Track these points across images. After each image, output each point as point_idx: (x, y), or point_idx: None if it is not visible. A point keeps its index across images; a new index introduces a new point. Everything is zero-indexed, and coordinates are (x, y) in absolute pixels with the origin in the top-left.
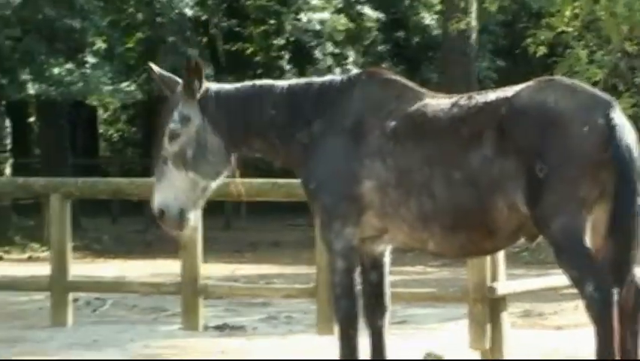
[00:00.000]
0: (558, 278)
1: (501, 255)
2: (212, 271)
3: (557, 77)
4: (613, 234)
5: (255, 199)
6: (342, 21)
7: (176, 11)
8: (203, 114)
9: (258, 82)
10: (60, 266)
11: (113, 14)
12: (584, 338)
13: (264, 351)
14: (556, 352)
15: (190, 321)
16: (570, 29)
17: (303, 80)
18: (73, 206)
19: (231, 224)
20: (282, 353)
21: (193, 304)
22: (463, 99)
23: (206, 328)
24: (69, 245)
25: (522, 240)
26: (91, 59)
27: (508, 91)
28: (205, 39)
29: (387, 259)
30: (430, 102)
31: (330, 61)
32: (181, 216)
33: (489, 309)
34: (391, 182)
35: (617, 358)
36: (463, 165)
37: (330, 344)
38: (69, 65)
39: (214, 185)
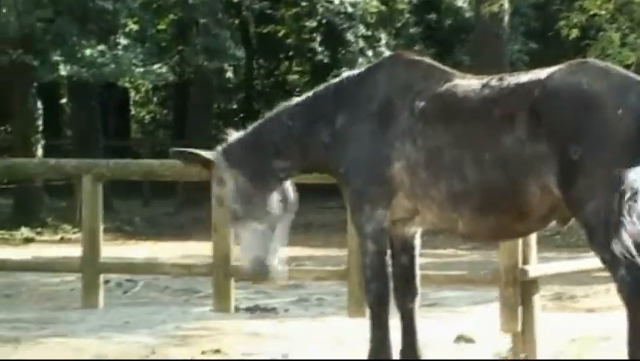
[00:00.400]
0: (590, 261)
1: (533, 238)
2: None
3: (590, 60)
4: None
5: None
6: (374, 3)
7: None
8: (231, 167)
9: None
10: (92, 248)
11: None
12: (616, 321)
13: (295, 333)
14: (588, 335)
15: (221, 303)
16: (603, 12)
17: (320, 86)
18: (104, 188)
19: None
20: (313, 335)
21: (224, 286)
22: (494, 80)
23: (237, 310)
24: (101, 227)
25: (553, 223)
26: (123, 41)
27: (541, 73)
28: (237, 21)
29: (417, 242)
30: (459, 83)
31: (361, 43)
32: (260, 267)
33: (520, 292)
34: (421, 162)
35: None
36: (494, 147)
37: (361, 326)
38: (101, 47)
39: (278, 225)
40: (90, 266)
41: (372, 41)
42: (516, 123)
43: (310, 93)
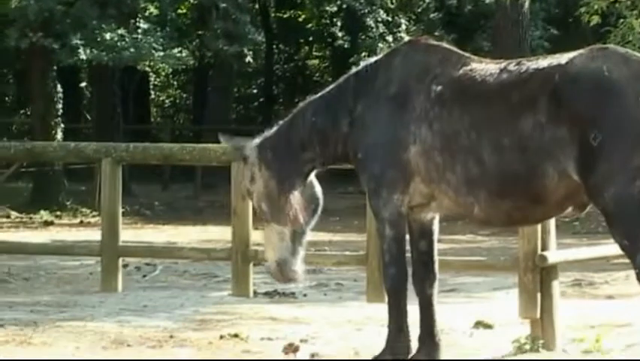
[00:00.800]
0: (609, 247)
1: (552, 224)
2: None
3: (611, 46)
4: None
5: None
6: None
7: None
8: (261, 166)
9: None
10: (111, 231)
11: None
12: (636, 307)
13: (313, 318)
14: (608, 322)
15: (240, 287)
16: None
17: (342, 77)
18: (123, 172)
19: None
20: (332, 320)
21: (243, 271)
22: (512, 65)
23: (255, 294)
24: (120, 210)
25: (570, 210)
26: (143, 25)
27: (561, 58)
28: (257, 5)
29: (436, 227)
30: (477, 67)
31: (381, 28)
32: (281, 269)
33: (539, 278)
34: (437, 146)
35: None
36: (512, 131)
37: (380, 311)
38: (121, 31)
39: (301, 232)
40: (109, 250)
41: (392, 27)
42: (536, 108)
43: (334, 85)
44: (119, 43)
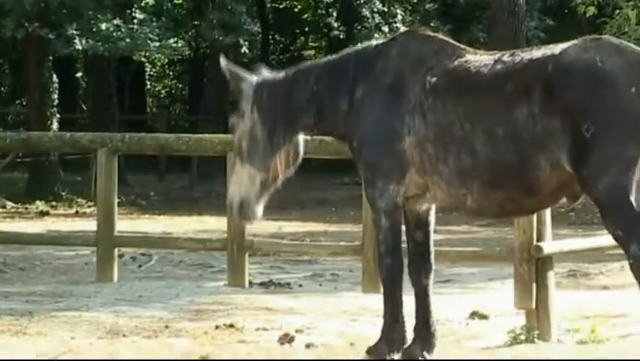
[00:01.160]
0: (604, 238)
1: (547, 215)
2: (258, 228)
3: (604, 37)
4: None
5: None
6: None
7: None
8: (254, 106)
9: (303, 63)
10: (106, 221)
11: None
12: (630, 298)
13: (308, 308)
14: (603, 312)
15: (236, 278)
16: None
17: (344, 51)
18: (119, 162)
19: None
20: (327, 311)
21: (239, 261)
22: (506, 56)
23: (251, 284)
24: (116, 200)
25: (563, 200)
26: (139, 15)
27: (555, 48)
28: None
29: (432, 218)
30: (471, 58)
31: (377, 19)
32: (242, 209)
33: (535, 269)
34: (430, 137)
35: None
36: (505, 121)
37: (376, 302)
38: (117, 21)
39: (272, 180)
40: (105, 240)
41: (388, 17)
42: (529, 98)
43: (336, 57)
44: (114, 34)
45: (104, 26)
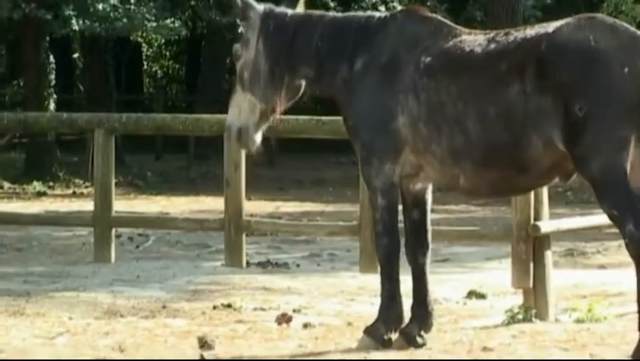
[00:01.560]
0: (601, 217)
1: (545, 194)
2: (255, 208)
3: (598, 15)
4: None
5: (300, 136)
6: None
7: None
8: (260, 37)
9: (313, 12)
10: (104, 202)
11: None
12: (628, 277)
13: (306, 288)
14: (600, 291)
15: (233, 258)
16: None
17: (349, 14)
18: (116, 143)
19: (275, 161)
20: (325, 291)
21: (236, 241)
22: (500, 35)
23: (248, 264)
24: (113, 181)
25: (556, 179)
26: None
27: (548, 27)
28: None
29: (429, 197)
30: (466, 38)
31: None
32: (241, 135)
33: (532, 248)
34: (423, 117)
35: None
36: (498, 100)
37: (373, 281)
38: (113, 1)
39: (271, 111)
40: (102, 220)
41: None
42: (522, 77)
43: (341, 18)
44: (111, 14)
45: (100, 7)
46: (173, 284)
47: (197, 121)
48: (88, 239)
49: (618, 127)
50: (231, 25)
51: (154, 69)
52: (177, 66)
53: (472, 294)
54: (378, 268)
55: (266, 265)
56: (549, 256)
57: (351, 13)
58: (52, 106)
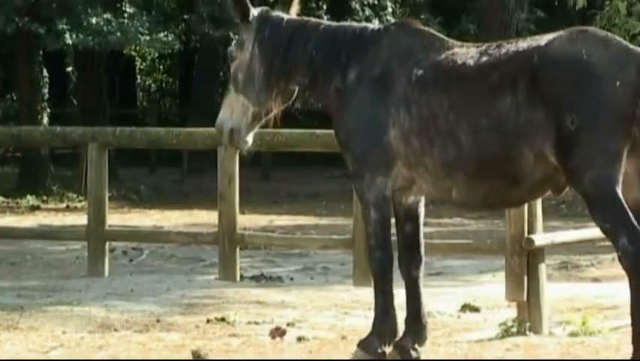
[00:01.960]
0: (595, 230)
1: (538, 207)
2: (249, 221)
3: (591, 28)
4: None
5: (294, 150)
6: None
7: None
8: (255, 41)
9: (308, 19)
10: (97, 216)
11: None
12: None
13: (300, 302)
14: (594, 304)
15: (227, 271)
16: None
17: (344, 24)
18: (110, 156)
19: (269, 175)
20: (318, 304)
21: (230, 255)
22: (492, 47)
23: (242, 278)
24: (106, 195)
25: (548, 192)
26: (129, 9)
27: (540, 40)
28: None
29: (421, 210)
30: (458, 51)
31: (368, 12)
32: (232, 135)
33: (526, 261)
34: (414, 130)
35: None
36: (490, 112)
37: (367, 295)
38: (107, 15)
39: (265, 114)
40: (96, 234)
41: (378, 10)
42: (514, 89)
43: (335, 28)
44: (105, 28)
45: (94, 21)
46: (166, 298)
47: (190, 135)
48: (81, 253)
49: (610, 140)
50: (225, 38)
51: (147, 83)
52: (171, 80)
53: (465, 307)
54: (372, 282)
55: (260, 279)
56: (543, 269)
57: (346, 23)
58: (45, 120)
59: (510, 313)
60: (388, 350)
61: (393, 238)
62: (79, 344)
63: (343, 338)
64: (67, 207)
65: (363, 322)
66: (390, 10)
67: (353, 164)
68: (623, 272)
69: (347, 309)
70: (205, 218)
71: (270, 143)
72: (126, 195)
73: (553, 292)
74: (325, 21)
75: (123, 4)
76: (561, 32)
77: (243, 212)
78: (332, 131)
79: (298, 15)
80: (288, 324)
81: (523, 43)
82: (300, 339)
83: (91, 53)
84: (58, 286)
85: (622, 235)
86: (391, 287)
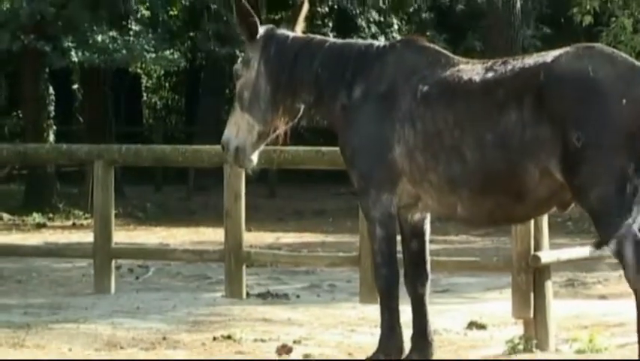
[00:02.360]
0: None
1: (545, 224)
2: (255, 239)
3: (597, 45)
4: None
5: (300, 167)
6: None
7: None
8: (261, 59)
9: (314, 37)
10: (104, 233)
11: None
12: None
13: (306, 319)
14: (601, 322)
15: (233, 289)
16: None
17: (350, 41)
18: (116, 174)
19: (275, 192)
20: (325, 322)
21: (236, 272)
22: (498, 64)
23: (248, 295)
24: (112, 212)
25: (554, 209)
26: (134, 27)
27: (547, 56)
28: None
29: (427, 227)
30: (464, 67)
31: (373, 29)
32: (238, 156)
33: (532, 278)
34: (419, 146)
35: None
36: (495, 128)
37: (373, 312)
38: (112, 33)
39: (270, 132)
40: (102, 252)
41: (384, 27)
42: (520, 105)
43: (340, 45)
44: (110, 46)
45: (99, 38)
46: (173, 315)
47: (196, 152)
48: (88, 270)
49: (616, 157)
50: (230, 56)
51: (153, 100)
52: (177, 97)
53: (472, 325)
54: (378, 299)
55: (266, 296)
56: (549, 286)
57: (352, 40)
58: (51, 137)
59: (517, 330)
60: None
61: (399, 255)
62: None
63: (350, 355)
64: (74, 224)
65: (369, 339)
66: (396, 27)
67: (359, 181)
68: (629, 289)
69: (353, 326)
70: (211, 235)
71: (276, 160)
72: (132, 213)
73: (560, 309)
74: (331, 38)
75: (129, 21)
76: (567, 49)
77: (249, 229)
78: (338, 149)
79: (304, 32)
80: (294, 342)
81: (530, 60)
82: (306, 357)
83: (97, 70)
84: (65, 303)
85: (628, 252)
86: (397, 304)
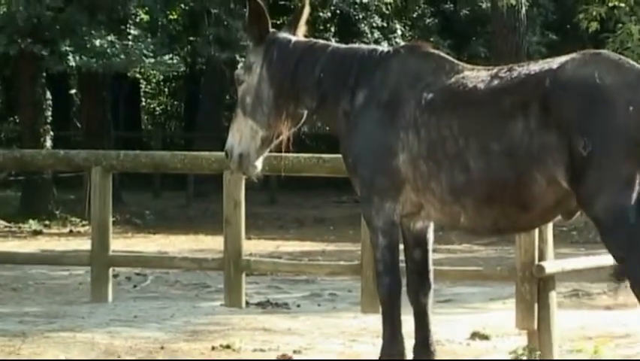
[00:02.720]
0: (607, 257)
1: (549, 233)
2: (255, 247)
3: (604, 51)
4: None
5: (301, 174)
6: None
7: None
8: (263, 63)
9: (316, 41)
10: (101, 241)
11: None
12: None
13: (307, 329)
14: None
15: (232, 297)
16: (622, 4)
17: (353, 46)
18: (114, 180)
19: (276, 200)
20: (325, 331)
21: (235, 281)
22: (503, 71)
23: (248, 304)
24: (110, 219)
25: (559, 217)
26: (133, 31)
27: (552, 63)
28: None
29: (430, 236)
30: (469, 74)
31: (376, 34)
32: (241, 162)
33: (537, 288)
34: (423, 154)
35: None
36: (501, 136)
37: (375, 322)
38: (111, 37)
39: (274, 138)
40: (99, 260)
41: (387, 32)
42: (526, 113)
43: (343, 50)
44: (109, 50)
45: (98, 42)
46: (171, 324)
47: (196, 158)
48: (85, 278)
49: (623, 166)
50: (231, 61)
51: (152, 106)
52: (176, 103)
53: (475, 335)
54: (380, 308)
55: (266, 305)
56: (554, 296)
57: (355, 45)
58: (48, 143)
59: (520, 341)
60: None
61: (402, 264)
62: None
63: None
64: (71, 231)
65: (371, 349)
66: (399, 32)
67: (361, 188)
68: (635, 300)
69: (355, 336)
70: (210, 243)
71: (277, 167)
72: (130, 220)
73: (564, 320)
74: (333, 43)
75: (128, 25)
76: (573, 55)
77: (249, 237)
78: (339, 156)
79: (305, 37)
80: (294, 351)
81: (535, 67)
82: None
83: (95, 75)
84: (61, 312)
85: (634, 262)
86: (399, 313)
